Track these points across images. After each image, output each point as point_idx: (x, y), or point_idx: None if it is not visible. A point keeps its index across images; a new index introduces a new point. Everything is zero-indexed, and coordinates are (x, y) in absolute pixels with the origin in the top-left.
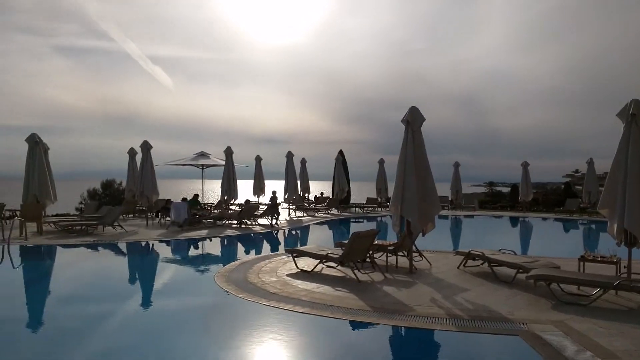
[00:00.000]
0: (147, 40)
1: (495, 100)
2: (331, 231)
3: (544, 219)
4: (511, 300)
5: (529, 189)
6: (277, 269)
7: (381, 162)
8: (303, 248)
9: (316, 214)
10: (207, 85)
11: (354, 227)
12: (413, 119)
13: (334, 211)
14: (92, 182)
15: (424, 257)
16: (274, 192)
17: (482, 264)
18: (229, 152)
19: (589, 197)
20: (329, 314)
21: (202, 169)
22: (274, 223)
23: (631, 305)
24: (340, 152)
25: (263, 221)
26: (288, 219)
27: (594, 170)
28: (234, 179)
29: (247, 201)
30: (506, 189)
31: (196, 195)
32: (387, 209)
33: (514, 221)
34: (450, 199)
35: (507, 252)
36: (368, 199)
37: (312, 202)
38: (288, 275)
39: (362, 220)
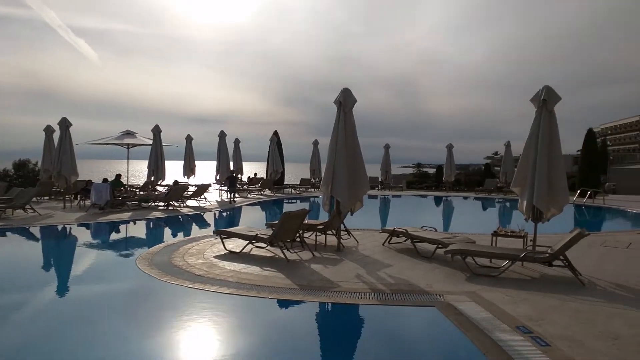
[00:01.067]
0: (69, 9)
1: (427, 84)
2: (264, 212)
3: (465, 197)
4: (430, 273)
5: (452, 170)
6: (205, 251)
7: (315, 143)
8: (232, 229)
9: (249, 195)
10: (137, 61)
11: (287, 208)
12: (345, 101)
13: (268, 192)
14: (5, 163)
15: (352, 235)
16: (231, 172)
17: (405, 240)
18: (156, 130)
19: (505, 177)
20: (255, 294)
21: (128, 148)
22: (231, 200)
23: (534, 274)
24: (275, 133)
25: (192, 203)
26: (219, 200)
27: (511, 152)
28: (162, 159)
29: (176, 182)
30: (432, 170)
31: (119, 176)
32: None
33: (437, 200)
34: (380, 179)
35: (428, 229)
36: (302, 179)
37: (245, 183)
38: (216, 257)
39: (295, 200)
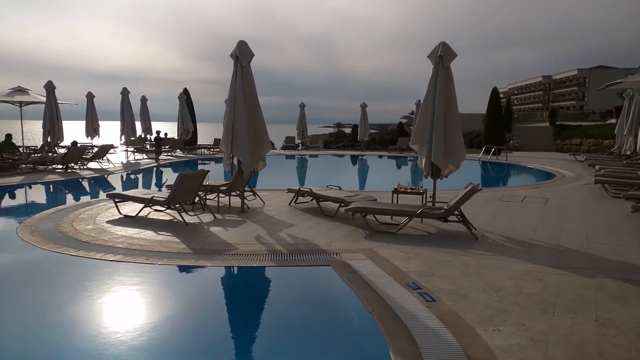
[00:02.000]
0: None
1: (346, 43)
2: (175, 174)
3: (380, 156)
4: (331, 232)
5: (366, 129)
6: (97, 215)
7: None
8: (126, 192)
9: (159, 157)
10: (31, 11)
11: (198, 169)
12: (242, 54)
13: (179, 153)
14: None
15: (258, 196)
16: (158, 132)
17: (311, 200)
18: (49, 87)
19: None
20: (144, 260)
21: (21, 106)
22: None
23: (431, 230)
24: (185, 91)
25: (94, 165)
26: (125, 162)
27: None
28: (59, 119)
29: (74, 143)
30: (349, 130)
31: (9, 136)
32: None
33: (353, 159)
34: (296, 139)
35: (333, 187)
36: (215, 139)
37: (154, 144)
38: (108, 222)
39: (208, 162)
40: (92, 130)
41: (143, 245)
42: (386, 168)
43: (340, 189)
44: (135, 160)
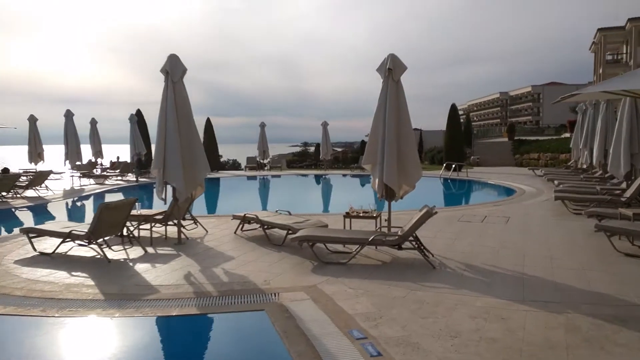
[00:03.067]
0: None
1: (310, 63)
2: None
3: (343, 175)
4: (275, 265)
5: (328, 148)
6: (9, 253)
7: None
8: (41, 226)
9: (105, 182)
10: None
11: (151, 193)
12: (172, 69)
13: (131, 177)
14: None
15: (200, 224)
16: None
17: (258, 227)
18: None
19: None
20: (39, 312)
21: None
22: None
23: (386, 258)
24: (137, 112)
25: (31, 193)
26: (68, 188)
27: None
28: None
29: (5, 170)
30: (312, 149)
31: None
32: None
33: (315, 179)
34: (257, 159)
35: (282, 212)
36: None
37: (107, 168)
38: (17, 261)
39: None
40: (36, 155)
41: (46, 292)
42: (348, 187)
43: (289, 213)
44: (80, 186)
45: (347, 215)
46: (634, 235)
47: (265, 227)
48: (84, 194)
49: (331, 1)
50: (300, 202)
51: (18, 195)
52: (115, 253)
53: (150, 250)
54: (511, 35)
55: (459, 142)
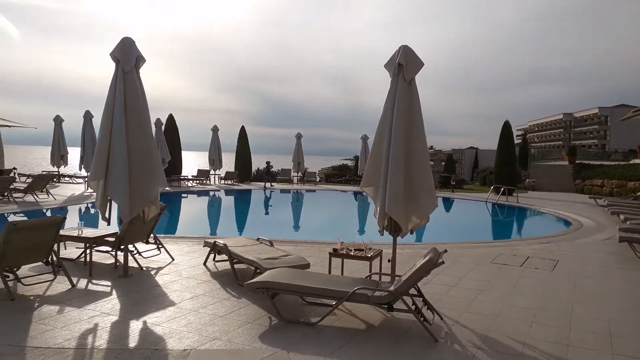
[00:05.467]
0: None
1: (365, 77)
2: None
3: None
4: (220, 320)
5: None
6: None
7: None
8: None
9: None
10: (59, 38)
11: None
12: (123, 56)
13: None
14: None
15: (165, 250)
16: None
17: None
18: None
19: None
20: None
21: None
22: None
23: (374, 318)
24: (169, 117)
25: (30, 198)
26: (77, 194)
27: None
28: None
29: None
30: (352, 163)
31: None
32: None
33: (347, 196)
34: (292, 172)
35: (264, 241)
36: (199, 170)
37: None
38: None
39: (186, 194)
40: (59, 157)
41: None
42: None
43: (271, 244)
44: (91, 191)
45: (335, 253)
46: None
47: (234, 260)
48: (86, 201)
49: (383, 19)
50: (312, 224)
51: (12, 200)
52: (29, 287)
53: (81, 283)
54: (579, 55)
55: (512, 162)
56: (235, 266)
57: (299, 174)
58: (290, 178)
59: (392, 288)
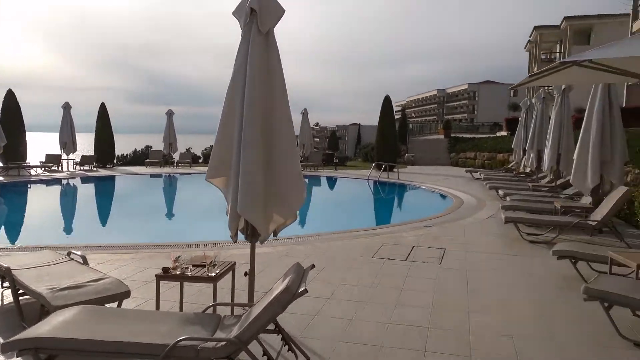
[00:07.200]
0: None
1: None
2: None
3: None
4: None
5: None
6: None
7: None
8: None
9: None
10: None
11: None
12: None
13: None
14: None
15: None
16: None
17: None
18: None
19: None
20: None
21: None
22: None
23: None
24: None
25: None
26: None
27: (308, 120)
28: None
29: None
30: None
31: None
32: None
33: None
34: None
35: (75, 256)
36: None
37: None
38: None
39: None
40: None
41: None
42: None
43: (84, 260)
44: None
45: (164, 275)
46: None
47: (19, 291)
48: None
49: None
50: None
51: None
52: None
53: None
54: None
55: (393, 138)
56: (25, 299)
57: (172, 155)
58: (160, 160)
59: (233, 334)
